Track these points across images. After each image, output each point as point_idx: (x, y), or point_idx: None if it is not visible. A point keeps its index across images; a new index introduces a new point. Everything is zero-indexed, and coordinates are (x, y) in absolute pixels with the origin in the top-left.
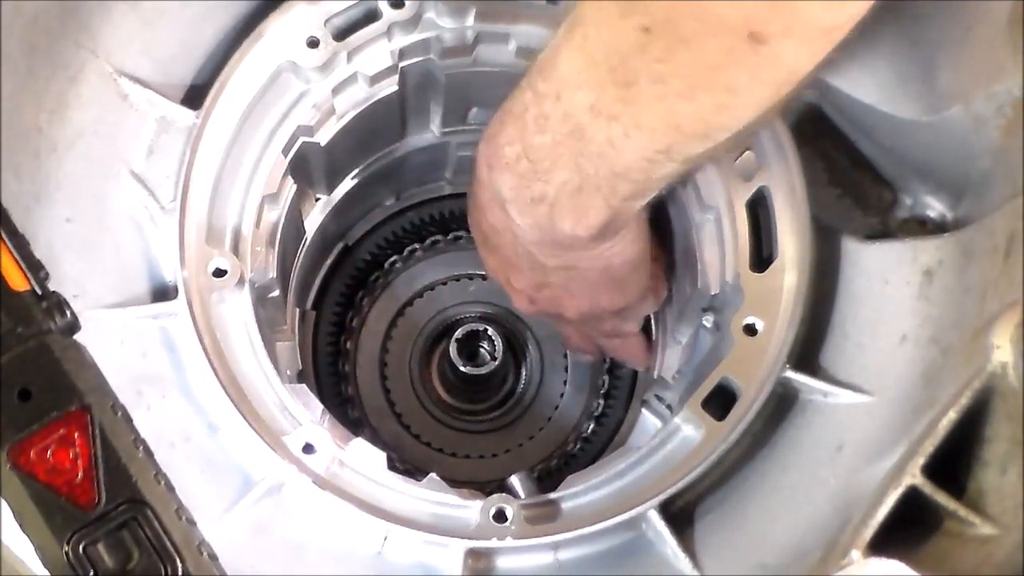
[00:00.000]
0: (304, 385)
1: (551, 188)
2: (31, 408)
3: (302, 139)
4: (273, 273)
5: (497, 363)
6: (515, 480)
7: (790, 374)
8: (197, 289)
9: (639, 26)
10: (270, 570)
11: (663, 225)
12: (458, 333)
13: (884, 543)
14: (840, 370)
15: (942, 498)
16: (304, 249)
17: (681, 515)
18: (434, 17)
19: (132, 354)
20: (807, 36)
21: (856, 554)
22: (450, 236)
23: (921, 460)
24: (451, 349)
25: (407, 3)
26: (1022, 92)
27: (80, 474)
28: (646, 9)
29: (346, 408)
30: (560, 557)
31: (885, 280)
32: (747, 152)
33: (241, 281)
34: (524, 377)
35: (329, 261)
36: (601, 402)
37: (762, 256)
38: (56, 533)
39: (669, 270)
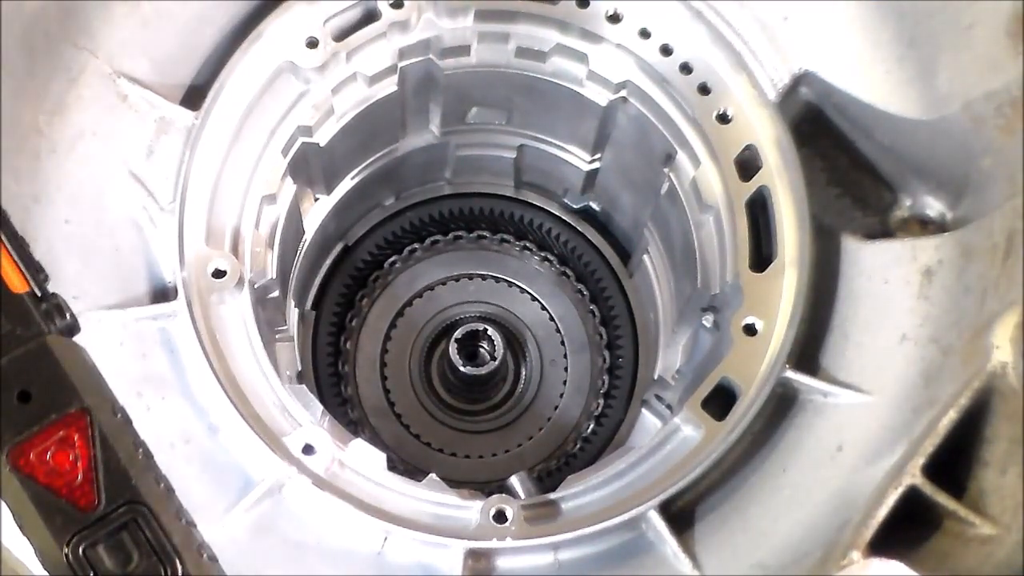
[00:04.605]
0: (304, 386)
1: None
2: (31, 410)
3: (301, 139)
4: (273, 273)
5: (497, 363)
6: (515, 480)
7: (790, 374)
8: (196, 290)
9: None
10: (270, 571)
11: (663, 225)
12: (458, 333)
13: (884, 543)
14: (840, 370)
15: (942, 498)
16: (304, 249)
17: (681, 515)
18: (433, 17)
19: (132, 355)
20: None
21: (856, 554)
22: (450, 236)
23: (921, 460)
24: (451, 349)
25: (406, 3)
26: (1022, 92)
27: (80, 476)
28: None
29: (346, 408)
30: (560, 557)
31: (885, 280)
32: (747, 152)
33: (240, 282)
34: (524, 377)
35: (329, 261)
36: (601, 402)
37: (762, 256)
38: (56, 535)
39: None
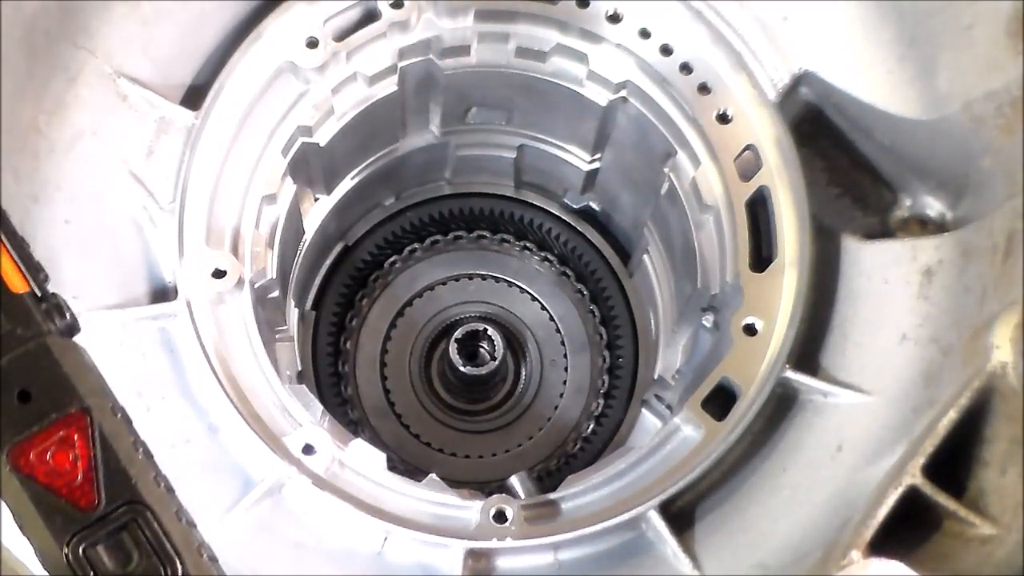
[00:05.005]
0: (304, 386)
1: None
2: (31, 410)
3: (301, 139)
4: (273, 273)
5: (497, 363)
6: (515, 480)
7: (790, 374)
8: (196, 290)
9: None
10: (270, 570)
11: (663, 225)
12: (458, 333)
13: (884, 543)
14: (840, 370)
15: (942, 498)
16: (304, 249)
17: (681, 515)
18: (433, 17)
19: (132, 355)
20: None
21: (856, 554)
22: (450, 236)
23: (921, 460)
24: (451, 349)
25: (406, 3)
26: (1022, 92)
27: (80, 476)
28: None
29: (346, 408)
30: (560, 557)
31: (885, 280)
32: (747, 152)
33: (240, 282)
34: (524, 377)
35: (329, 261)
36: (601, 402)
37: (762, 256)
38: (56, 535)
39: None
